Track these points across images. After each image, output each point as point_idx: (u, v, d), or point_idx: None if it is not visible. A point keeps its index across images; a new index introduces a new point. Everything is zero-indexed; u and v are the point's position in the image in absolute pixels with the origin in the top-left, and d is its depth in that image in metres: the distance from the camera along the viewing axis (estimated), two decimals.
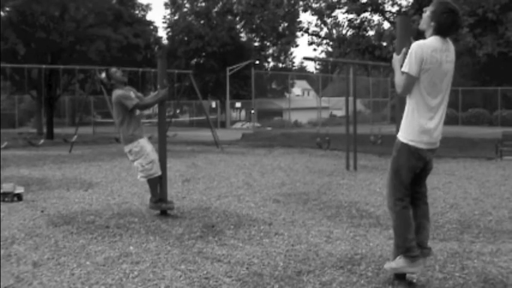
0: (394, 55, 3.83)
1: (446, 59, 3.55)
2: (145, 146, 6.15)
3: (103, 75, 6.26)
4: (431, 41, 3.53)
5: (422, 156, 3.62)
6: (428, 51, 3.47)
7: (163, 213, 6.25)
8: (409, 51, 3.52)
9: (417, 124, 3.57)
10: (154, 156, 6.18)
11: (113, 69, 6.30)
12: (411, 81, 3.53)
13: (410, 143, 3.58)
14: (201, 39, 41.92)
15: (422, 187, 3.85)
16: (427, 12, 3.59)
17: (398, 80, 3.63)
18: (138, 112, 6.28)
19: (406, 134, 3.62)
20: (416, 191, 3.80)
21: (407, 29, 3.99)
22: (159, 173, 6.21)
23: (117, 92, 6.16)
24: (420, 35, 3.69)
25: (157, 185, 6.23)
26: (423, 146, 3.59)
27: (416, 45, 3.51)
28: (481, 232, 5.53)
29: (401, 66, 3.67)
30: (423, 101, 3.55)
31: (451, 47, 3.61)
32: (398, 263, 3.69)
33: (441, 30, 3.54)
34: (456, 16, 3.54)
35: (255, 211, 6.57)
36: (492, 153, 14.33)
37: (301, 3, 21.90)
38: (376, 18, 37.74)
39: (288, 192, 8.07)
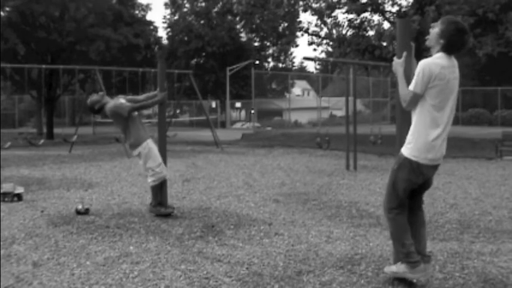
0: (395, 59, 3.82)
1: (453, 75, 3.57)
2: (153, 147, 6.18)
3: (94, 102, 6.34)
4: (439, 58, 3.54)
5: (423, 172, 3.63)
6: (437, 69, 3.48)
7: (163, 214, 6.24)
8: (417, 68, 3.52)
9: (423, 140, 3.56)
10: (160, 158, 6.21)
11: (88, 102, 6.41)
12: (417, 99, 3.55)
13: (413, 159, 3.58)
14: (201, 39, 41.88)
15: (419, 198, 3.87)
16: (436, 29, 3.56)
17: (403, 92, 3.62)
18: (135, 114, 6.29)
19: (410, 149, 3.61)
20: (414, 201, 3.81)
21: (407, 31, 3.98)
22: (167, 175, 6.25)
23: (108, 105, 6.20)
24: (420, 36, 3.70)
25: (160, 189, 6.24)
26: (426, 162, 3.59)
27: (424, 63, 3.50)
28: (481, 232, 5.53)
29: (404, 70, 3.69)
30: (430, 117, 3.55)
31: (455, 63, 3.62)
32: (399, 268, 3.71)
33: (450, 49, 3.55)
34: (466, 36, 3.55)
35: (255, 211, 6.58)
36: (492, 153, 14.33)
37: (301, 3, 21.88)
38: (376, 18, 37.81)
39: (288, 192, 8.08)
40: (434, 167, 3.67)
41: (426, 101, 3.54)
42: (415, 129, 3.60)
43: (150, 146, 6.14)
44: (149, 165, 6.12)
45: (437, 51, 3.58)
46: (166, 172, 6.25)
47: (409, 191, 3.70)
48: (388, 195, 3.74)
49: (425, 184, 3.77)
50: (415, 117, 3.62)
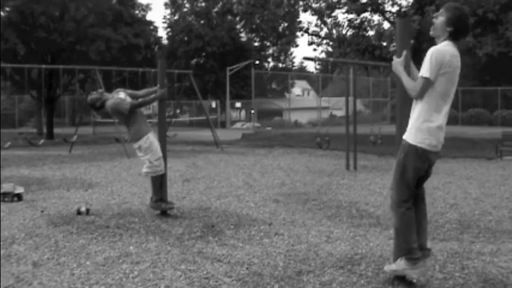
0: (395, 58, 3.82)
1: (458, 64, 3.61)
2: (154, 141, 6.18)
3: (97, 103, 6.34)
4: (448, 46, 3.57)
5: (429, 158, 3.65)
6: (447, 56, 3.51)
7: (163, 213, 6.25)
8: (429, 55, 3.52)
9: (427, 126, 3.58)
10: (161, 153, 6.20)
11: (88, 100, 6.38)
12: (428, 86, 3.55)
13: (419, 145, 3.59)
14: (201, 39, 41.88)
15: (421, 189, 3.87)
16: (442, 18, 3.60)
17: (410, 83, 3.63)
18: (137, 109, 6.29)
19: (414, 136, 3.62)
20: (416, 193, 3.81)
21: (407, 31, 3.98)
22: (164, 170, 6.24)
23: (109, 102, 6.21)
24: (420, 36, 3.71)
25: (160, 183, 6.24)
26: (431, 148, 3.61)
27: (436, 50, 3.52)
28: (481, 232, 5.53)
29: (405, 68, 3.71)
30: (436, 104, 3.58)
31: (458, 52, 3.65)
32: (399, 265, 3.70)
33: (457, 35, 3.59)
34: (469, 20, 3.64)
35: (255, 211, 6.58)
36: (492, 153, 14.33)
37: (301, 3, 21.87)
38: (376, 18, 37.68)
39: (288, 192, 8.08)
40: (437, 154, 3.70)
41: (434, 89, 3.55)
42: (420, 116, 3.60)
43: (151, 140, 6.14)
44: (147, 157, 6.13)
45: (444, 40, 3.60)
46: (163, 168, 6.24)
47: (417, 179, 3.71)
48: (398, 187, 3.71)
49: (428, 172, 3.78)
50: (420, 105, 3.62)
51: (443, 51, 3.52)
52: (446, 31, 3.58)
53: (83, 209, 6.35)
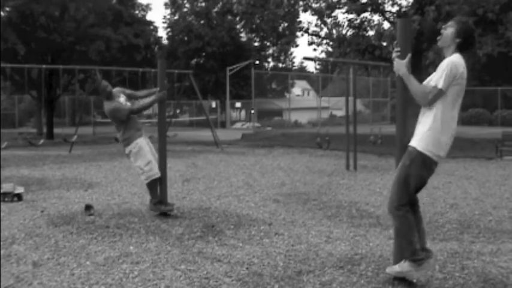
0: (397, 60, 3.78)
1: (466, 76, 3.65)
2: (143, 146, 6.17)
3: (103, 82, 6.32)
4: (460, 58, 3.62)
5: (432, 169, 3.68)
6: (461, 68, 3.57)
7: (163, 214, 6.24)
8: (445, 66, 3.54)
9: (439, 137, 3.60)
10: (151, 157, 6.19)
11: (95, 84, 6.35)
12: (441, 96, 3.57)
13: (428, 154, 3.60)
14: (201, 39, 41.90)
15: (416, 195, 3.90)
16: (450, 30, 3.65)
17: (420, 90, 3.62)
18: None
19: (425, 144, 3.61)
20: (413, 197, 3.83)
21: (408, 31, 3.98)
22: (159, 174, 6.21)
23: (107, 108, 6.21)
24: (420, 36, 3.70)
25: (157, 186, 6.23)
26: (437, 158, 3.64)
27: (451, 62, 3.56)
28: (481, 232, 5.53)
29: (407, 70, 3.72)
30: (448, 115, 3.60)
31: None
32: (403, 267, 3.70)
33: (466, 47, 3.65)
34: (475, 34, 3.73)
35: (255, 211, 6.57)
36: (492, 153, 14.34)
37: (301, 3, 21.86)
38: (376, 18, 37.72)
39: (288, 192, 8.08)
40: (437, 163, 3.72)
41: (447, 98, 3.58)
42: (433, 125, 3.60)
43: (140, 145, 6.15)
44: (138, 164, 6.17)
45: (453, 52, 3.64)
46: (158, 170, 6.19)
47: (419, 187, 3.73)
48: (399, 192, 3.71)
49: (427, 181, 3.80)
50: (432, 113, 3.61)
51: (457, 63, 3.56)
52: (455, 42, 3.63)
53: (92, 211, 6.36)
